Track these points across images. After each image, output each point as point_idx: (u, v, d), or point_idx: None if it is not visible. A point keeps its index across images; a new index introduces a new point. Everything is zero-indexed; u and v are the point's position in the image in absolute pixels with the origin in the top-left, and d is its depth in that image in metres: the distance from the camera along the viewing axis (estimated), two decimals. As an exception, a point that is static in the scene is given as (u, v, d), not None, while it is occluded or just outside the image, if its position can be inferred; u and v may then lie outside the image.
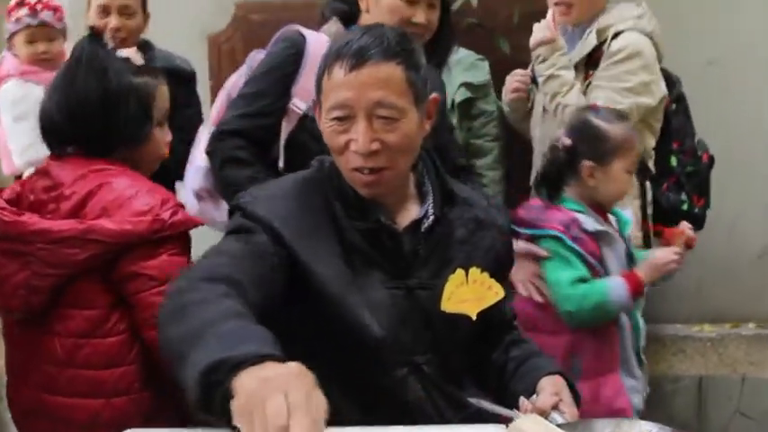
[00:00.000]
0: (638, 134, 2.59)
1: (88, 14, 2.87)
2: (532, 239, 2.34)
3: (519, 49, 3.04)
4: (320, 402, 1.08)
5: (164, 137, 2.03)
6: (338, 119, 1.58)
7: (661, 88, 2.74)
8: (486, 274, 1.69)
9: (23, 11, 2.80)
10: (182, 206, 1.92)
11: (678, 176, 2.92)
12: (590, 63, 2.72)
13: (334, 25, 2.37)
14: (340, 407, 1.13)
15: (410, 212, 1.69)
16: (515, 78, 2.92)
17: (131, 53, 2.45)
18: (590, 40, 2.71)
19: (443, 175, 1.74)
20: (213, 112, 2.54)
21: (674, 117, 2.95)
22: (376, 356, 1.61)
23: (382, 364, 1.62)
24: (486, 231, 1.75)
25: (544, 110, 2.77)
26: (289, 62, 2.29)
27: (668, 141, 2.93)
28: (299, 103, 2.28)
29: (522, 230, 2.34)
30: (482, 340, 1.76)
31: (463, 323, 1.67)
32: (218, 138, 2.29)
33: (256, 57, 2.46)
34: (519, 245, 2.33)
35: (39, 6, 2.76)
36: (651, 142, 2.86)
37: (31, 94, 2.65)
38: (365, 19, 2.33)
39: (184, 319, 1.29)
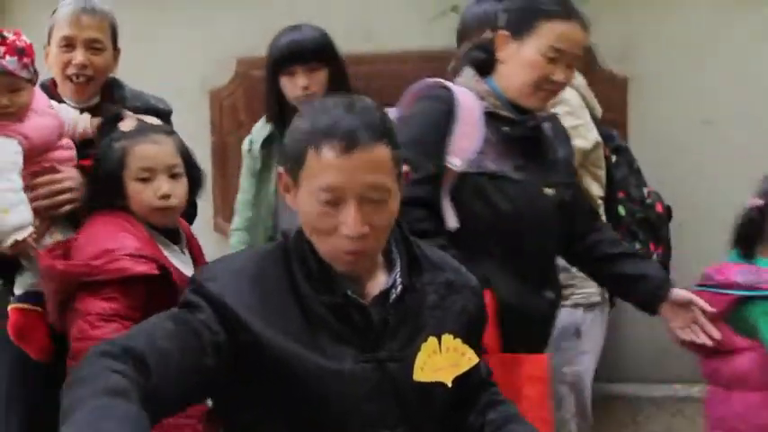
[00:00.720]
0: (581, 181, 2.72)
1: (48, 47, 2.49)
2: (741, 302, 2.49)
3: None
4: None
5: (146, 190, 2.15)
6: (328, 202, 1.55)
7: (593, 133, 2.77)
8: (459, 341, 1.66)
9: None
10: (140, 257, 2.03)
11: (629, 225, 2.95)
12: None
13: (472, 78, 2.34)
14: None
15: (378, 281, 1.67)
16: None
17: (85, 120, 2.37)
18: None
19: (410, 240, 1.73)
20: None
21: (617, 168, 3.00)
22: None
23: None
24: (458, 295, 1.73)
25: None
26: (443, 120, 2.23)
27: (614, 191, 2.97)
28: (455, 161, 2.21)
29: (738, 293, 2.48)
30: (458, 403, 1.73)
31: (437, 392, 1.64)
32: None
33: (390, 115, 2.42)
34: (679, 294, 2.39)
35: (0, 50, 2.21)
36: (597, 190, 2.89)
37: (3, 149, 2.19)
38: (501, 70, 2.32)
39: (70, 392, 1.33)
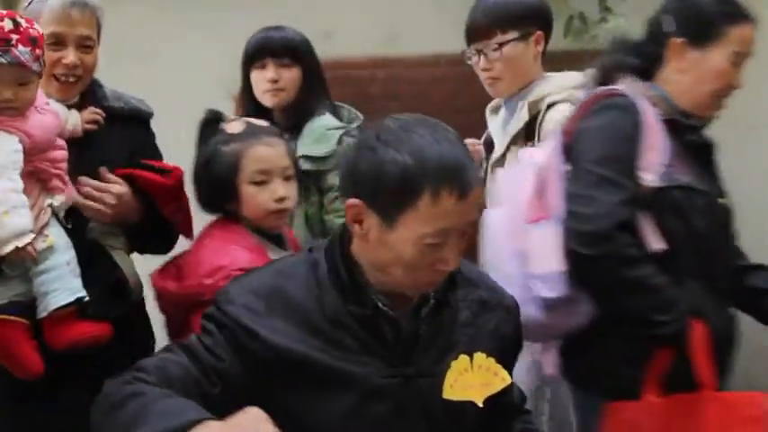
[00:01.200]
0: None
1: None
2: None
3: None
4: None
5: (262, 194, 2.09)
6: (434, 244, 1.49)
7: None
8: (492, 360, 1.59)
9: None
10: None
11: None
12: (528, 134, 2.58)
13: (639, 85, 2.15)
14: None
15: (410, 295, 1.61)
16: None
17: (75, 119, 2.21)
18: (522, 114, 2.59)
19: None
20: (526, 200, 2.10)
21: None
22: None
23: None
24: (491, 313, 1.66)
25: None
26: (634, 132, 2.06)
27: None
28: (647, 176, 2.04)
29: None
30: (488, 427, 1.66)
31: (469, 412, 1.58)
32: (608, 234, 1.96)
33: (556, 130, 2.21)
34: None
35: (13, 37, 1.99)
36: None
37: (1, 146, 2.01)
38: (675, 79, 2.15)
39: (120, 410, 1.39)
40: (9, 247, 1.96)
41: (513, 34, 2.59)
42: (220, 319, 1.53)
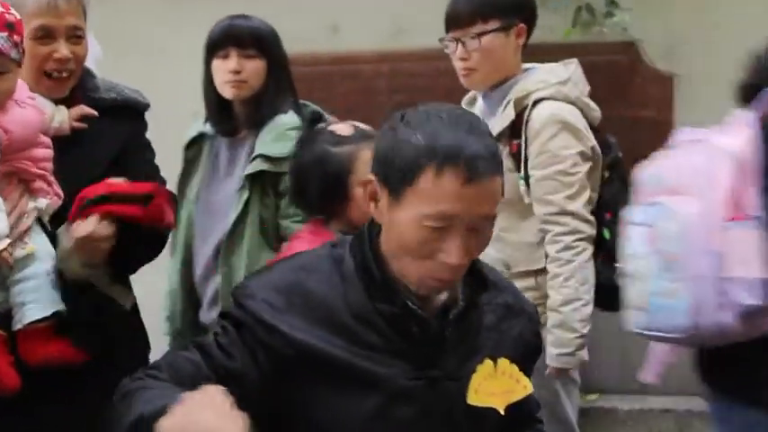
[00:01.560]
0: None
1: None
2: None
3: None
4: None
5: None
6: (435, 228, 1.45)
7: (597, 152, 2.54)
8: (514, 367, 1.56)
9: None
10: None
11: (610, 250, 2.53)
12: (513, 133, 2.52)
13: None
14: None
15: (439, 295, 1.57)
16: None
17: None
18: (508, 112, 2.51)
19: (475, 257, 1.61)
20: (723, 195, 1.92)
21: (608, 186, 2.65)
22: None
23: None
24: (515, 319, 1.63)
25: None
26: None
27: (601, 212, 2.61)
28: None
29: None
30: None
31: (489, 416, 1.55)
32: None
33: (748, 116, 2.04)
34: None
35: None
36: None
37: None
38: None
39: (120, 404, 1.42)
40: None
41: (494, 24, 2.52)
42: (239, 317, 1.50)
